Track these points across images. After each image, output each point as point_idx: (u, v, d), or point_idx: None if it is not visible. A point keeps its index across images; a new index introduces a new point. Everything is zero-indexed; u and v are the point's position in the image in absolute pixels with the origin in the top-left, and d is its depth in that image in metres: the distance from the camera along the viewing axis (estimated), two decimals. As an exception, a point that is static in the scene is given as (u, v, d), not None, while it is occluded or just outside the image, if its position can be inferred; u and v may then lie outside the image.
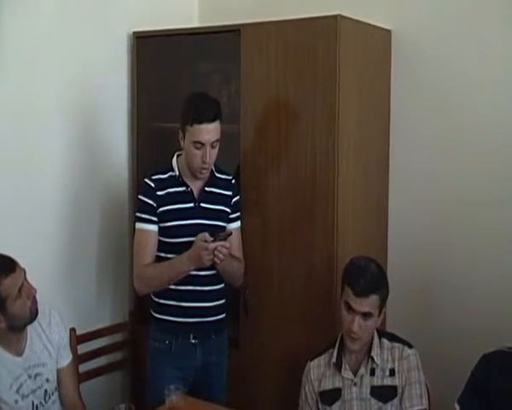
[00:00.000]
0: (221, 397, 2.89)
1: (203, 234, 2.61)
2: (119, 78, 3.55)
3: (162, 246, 2.79)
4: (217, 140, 2.70)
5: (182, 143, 2.74)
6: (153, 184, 2.78)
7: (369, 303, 2.50)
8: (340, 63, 2.87)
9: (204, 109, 2.67)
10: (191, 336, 2.81)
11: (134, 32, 3.53)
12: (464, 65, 3.09)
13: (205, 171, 2.75)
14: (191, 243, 2.65)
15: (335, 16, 2.85)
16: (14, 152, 3.02)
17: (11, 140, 3.01)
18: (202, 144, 2.67)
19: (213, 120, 2.67)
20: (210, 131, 2.66)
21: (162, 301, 2.83)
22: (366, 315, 2.50)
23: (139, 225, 2.80)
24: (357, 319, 2.49)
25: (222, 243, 2.61)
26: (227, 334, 2.97)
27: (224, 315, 2.92)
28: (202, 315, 2.83)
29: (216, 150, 2.73)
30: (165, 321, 2.83)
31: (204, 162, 2.70)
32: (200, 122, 2.64)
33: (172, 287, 2.77)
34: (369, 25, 3.10)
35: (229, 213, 2.89)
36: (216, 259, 2.62)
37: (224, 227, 2.83)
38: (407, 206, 3.29)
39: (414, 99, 3.23)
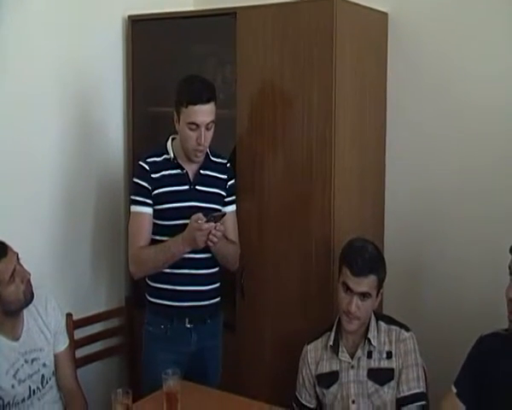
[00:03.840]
0: (216, 381, 2.90)
1: (197, 215, 2.61)
2: (114, 62, 3.53)
3: (157, 229, 2.79)
4: (212, 121, 2.69)
5: (177, 125, 2.74)
6: (147, 167, 2.77)
7: (366, 283, 2.50)
8: (337, 46, 2.86)
9: (199, 90, 2.66)
10: (186, 320, 2.81)
11: (129, 16, 3.51)
12: (461, 49, 3.08)
13: (200, 154, 2.74)
14: (186, 225, 2.64)
15: (332, -2, 2.83)
16: (8, 138, 3.00)
17: (5, 127, 2.99)
18: (197, 126, 2.66)
19: (208, 101, 2.66)
20: (205, 113, 2.66)
21: (157, 285, 2.83)
22: (364, 295, 2.50)
23: (134, 208, 2.80)
24: (355, 299, 2.49)
25: (217, 224, 2.60)
26: (222, 318, 2.97)
27: (218, 299, 2.92)
28: (197, 299, 2.82)
29: (211, 133, 2.72)
30: (160, 305, 2.83)
31: (199, 144, 2.69)
32: (195, 103, 2.64)
33: (167, 271, 2.77)
34: (366, 7, 3.08)
35: (225, 197, 2.88)
36: (209, 242, 2.62)
37: (220, 210, 2.82)
38: (403, 192, 3.29)
39: (410, 83, 3.22)
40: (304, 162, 2.98)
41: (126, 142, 3.59)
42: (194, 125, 2.66)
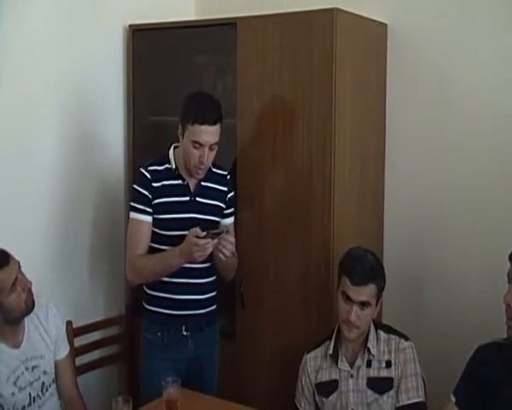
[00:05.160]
0: (213, 388, 2.91)
1: (195, 229, 2.59)
2: (115, 71, 3.54)
3: (156, 237, 2.79)
4: (216, 143, 2.69)
5: (180, 138, 2.73)
6: (149, 175, 2.77)
7: (366, 292, 2.51)
8: (337, 56, 2.87)
9: (206, 111, 2.66)
10: (183, 328, 2.81)
11: (130, 25, 3.52)
12: (460, 59, 3.10)
13: (201, 171, 2.74)
14: (185, 236, 2.63)
15: (332, 9, 2.85)
16: (8, 143, 3.00)
17: (5, 131, 2.99)
18: (201, 145, 2.66)
19: (215, 123, 2.66)
20: (210, 134, 2.66)
21: (154, 293, 2.84)
22: (364, 304, 2.51)
23: (133, 215, 2.79)
24: (355, 308, 2.50)
25: (214, 242, 2.59)
26: (219, 325, 2.97)
27: (215, 307, 2.92)
28: (194, 307, 2.83)
29: (214, 152, 2.72)
30: (157, 313, 2.84)
31: (201, 162, 2.69)
32: (202, 123, 2.63)
33: (165, 279, 2.77)
34: (366, 18, 3.11)
35: (224, 209, 2.89)
36: (221, 255, 2.62)
37: (219, 222, 2.83)
38: (402, 200, 3.30)
39: (410, 92, 3.24)
40: (304, 171, 2.99)
41: (127, 150, 3.60)
42: (198, 144, 2.66)
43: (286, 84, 3.02)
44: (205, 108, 2.67)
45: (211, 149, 2.69)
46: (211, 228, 2.63)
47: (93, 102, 3.43)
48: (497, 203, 3.04)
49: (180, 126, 2.72)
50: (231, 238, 2.66)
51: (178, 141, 2.77)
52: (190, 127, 2.66)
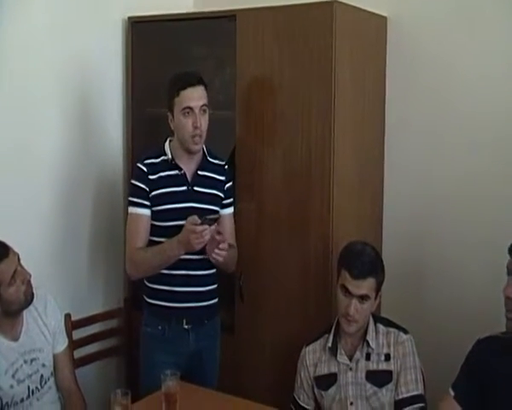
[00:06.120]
0: (214, 382, 2.91)
1: (192, 217, 2.60)
2: (113, 63, 3.54)
3: (155, 230, 2.79)
4: (205, 104, 2.71)
5: (171, 124, 2.75)
6: (145, 169, 2.78)
7: (366, 286, 2.51)
8: (336, 49, 2.87)
9: (187, 76, 2.72)
10: (184, 321, 2.81)
11: (129, 18, 3.51)
12: (460, 52, 3.09)
13: (198, 139, 2.72)
14: (183, 226, 2.64)
15: (331, 2, 2.85)
16: (7, 137, 3.00)
17: (4, 124, 2.99)
18: (191, 109, 2.67)
19: (198, 83, 2.70)
20: (196, 95, 2.69)
21: (154, 286, 2.83)
22: (363, 298, 2.51)
23: (131, 209, 2.80)
24: (354, 302, 2.50)
25: (212, 228, 2.59)
26: (220, 319, 2.97)
27: (216, 300, 2.92)
28: (195, 300, 2.83)
29: (206, 117, 2.73)
30: (158, 306, 2.84)
31: (196, 128, 2.69)
32: (186, 87, 2.68)
33: (165, 272, 2.77)
34: (365, 11, 3.09)
35: (222, 198, 2.88)
36: (217, 256, 2.63)
37: (217, 211, 2.82)
38: (401, 195, 3.30)
39: (410, 86, 3.23)
40: (303, 164, 2.99)
41: (125, 143, 3.60)
42: (189, 109, 2.68)
43: (285, 77, 3.01)
44: (184, 75, 2.73)
45: (202, 111, 2.70)
46: (206, 215, 2.64)
47: (92, 95, 3.42)
48: (496, 197, 3.04)
49: (169, 112, 2.75)
50: (224, 245, 2.65)
51: (173, 132, 2.77)
52: (177, 99, 2.69)
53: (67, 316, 3.12)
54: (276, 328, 3.11)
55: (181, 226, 2.65)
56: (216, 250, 2.63)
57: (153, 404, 2.51)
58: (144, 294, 2.90)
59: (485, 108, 3.04)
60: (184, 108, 2.68)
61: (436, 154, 3.19)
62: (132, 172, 3.08)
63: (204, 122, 2.71)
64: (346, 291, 2.52)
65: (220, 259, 2.66)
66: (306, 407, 2.68)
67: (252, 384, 3.13)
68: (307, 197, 2.99)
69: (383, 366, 2.54)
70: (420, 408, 2.51)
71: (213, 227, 2.61)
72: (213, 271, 2.88)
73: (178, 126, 2.73)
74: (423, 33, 3.18)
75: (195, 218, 2.59)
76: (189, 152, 2.77)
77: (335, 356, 2.60)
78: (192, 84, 2.68)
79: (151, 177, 2.77)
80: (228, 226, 2.89)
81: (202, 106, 2.70)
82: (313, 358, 2.66)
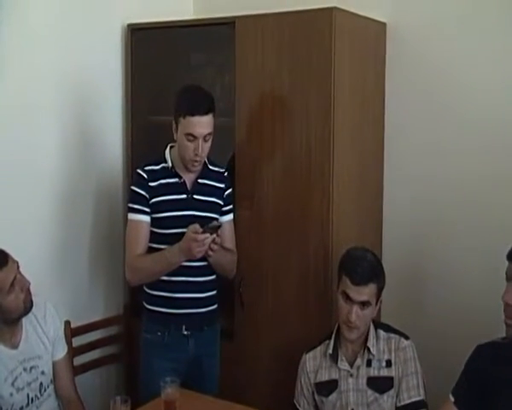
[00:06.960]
0: (214, 388, 2.90)
1: (194, 225, 2.61)
2: (113, 70, 3.54)
3: (154, 237, 2.79)
4: (209, 133, 2.70)
5: (175, 134, 2.74)
6: (145, 175, 2.78)
7: (367, 292, 2.51)
8: (336, 55, 2.87)
9: (197, 102, 2.67)
10: (183, 327, 2.81)
11: (128, 25, 3.51)
12: (460, 58, 3.10)
13: (196, 164, 2.75)
14: (183, 234, 2.64)
15: (331, 9, 2.85)
16: (6, 145, 2.99)
17: (3, 132, 2.99)
18: (195, 137, 2.66)
19: (206, 113, 2.66)
20: (203, 125, 2.66)
21: (154, 292, 2.83)
22: (364, 304, 2.51)
23: (131, 216, 2.80)
24: (355, 308, 2.50)
25: (213, 236, 2.60)
26: (219, 325, 2.97)
27: (215, 306, 2.92)
28: (194, 306, 2.83)
29: (209, 144, 2.72)
30: (157, 313, 2.83)
31: (196, 155, 2.70)
32: (193, 115, 2.64)
33: (164, 278, 2.77)
34: (365, 17, 3.10)
35: (222, 206, 2.89)
36: (209, 251, 2.64)
37: (217, 219, 2.82)
38: (401, 200, 3.29)
39: (409, 92, 3.24)
40: (302, 171, 2.98)
41: (125, 150, 3.59)
42: (192, 137, 2.67)
43: (284, 84, 3.01)
44: (195, 100, 2.68)
45: (205, 140, 2.69)
46: (208, 223, 2.64)
47: (91, 102, 3.42)
48: (496, 202, 3.03)
49: (174, 122, 2.73)
50: (217, 238, 2.66)
51: (176, 140, 2.77)
52: (183, 120, 2.67)
53: (67, 323, 3.12)
54: (276, 335, 3.10)
55: (180, 234, 2.65)
56: (211, 245, 2.62)
57: (153, 411, 2.50)
58: (143, 300, 2.90)
59: (485, 113, 3.05)
60: (188, 134, 2.67)
61: (435, 161, 3.19)
62: (133, 177, 3.08)
63: (206, 149, 2.72)
64: (347, 298, 2.52)
65: (210, 253, 2.65)
66: (307, 413, 2.68)
67: (252, 391, 3.11)
68: (307, 204, 2.98)
69: (384, 373, 2.54)
70: (421, 414, 2.51)
71: (215, 235, 2.61)
72: (213, 277, 2.88)
73: (180, 144, 2.73)
74: (422, 39, 3.18)
75: (197, 226, 2.60)
76: (187, 170, 2.78)
77: (336, 363, 2.59)
78: (200, 113, 2.64)
79: (151, 184, 2.77)
80: (227, 233, 2.89)
81: (206, 135, 2.69)
82: (314, 364, 2.66)
